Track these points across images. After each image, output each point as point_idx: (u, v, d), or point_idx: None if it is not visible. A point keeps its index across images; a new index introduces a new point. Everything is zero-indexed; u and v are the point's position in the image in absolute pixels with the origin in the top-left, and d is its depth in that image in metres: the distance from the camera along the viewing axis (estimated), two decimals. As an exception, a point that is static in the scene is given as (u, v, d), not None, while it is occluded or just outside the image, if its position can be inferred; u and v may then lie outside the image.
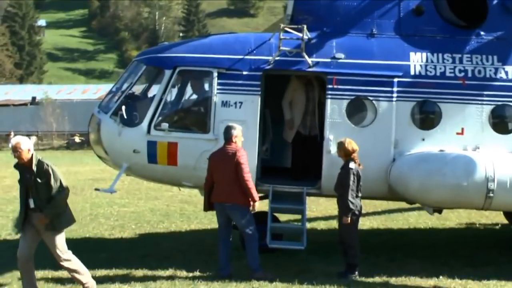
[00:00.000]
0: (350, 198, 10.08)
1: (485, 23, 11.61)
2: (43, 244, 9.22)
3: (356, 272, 10.30)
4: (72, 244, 12.59)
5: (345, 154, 10.32)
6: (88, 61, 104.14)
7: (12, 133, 49.84)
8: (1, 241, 13.25)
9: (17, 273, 10.36)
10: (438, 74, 11.27)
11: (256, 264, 10.15)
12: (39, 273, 10.34)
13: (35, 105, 55.57)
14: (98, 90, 58.54)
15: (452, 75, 11.28)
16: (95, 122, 12.03)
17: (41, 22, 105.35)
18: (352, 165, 10.18)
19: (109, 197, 17.61)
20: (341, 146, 10.37)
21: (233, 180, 9.97)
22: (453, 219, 15.69)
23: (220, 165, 10.11)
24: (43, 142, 51.88)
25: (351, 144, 10.28)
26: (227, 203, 10.10)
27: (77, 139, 48.14)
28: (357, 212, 10.25)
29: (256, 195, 10.12)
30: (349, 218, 10.10)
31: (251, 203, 10.10)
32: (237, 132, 10.22)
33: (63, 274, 10.13)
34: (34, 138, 48.50)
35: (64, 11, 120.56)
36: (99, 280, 9.85)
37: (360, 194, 10.28)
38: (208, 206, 10.45)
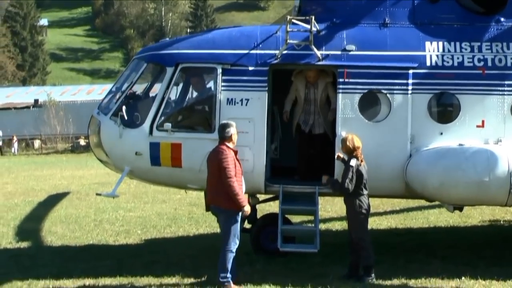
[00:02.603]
0: (345, 185, 10.08)
1: (506, 9, 11.39)
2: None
3: (373, 275, 10.19)
4: (75, 251, 12.72)
5: (347, 151, 10.30)
6: (93, 61, 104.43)
7: (15, 138, 50.12)
8: (1, 250, 13.18)
9: (17, 283, 10.33)
10: (456, 64, 11.09)
11: (223, 273, 9.77)
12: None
13: (38, 107, 55.72)
14: (103, 90, 58.43)
15: (471, 64, 11.09)
16: (95, 124, 11.95)
17: (43, 21, 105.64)
18: (353, 162, 10.14)
19: (114, 201, 17.57)
20: (343, 142, 10.37)
21: (216, 182, 9.79)
22: (475, 216, 15.53)
23: (209, 165, 9.99)
24: (47, 146, 52.04)
25: (353, 140, 10.24)
26: (212, 204, 9.99)
27: (82, 141, 48.17)
28: (364, 211, 10.17)
29: (242, 201, 9.71)
30: (327, 179, 10.45)
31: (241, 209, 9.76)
32: (234, 130, 10.01)
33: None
34: None
35: (66, 9, 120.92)
36: (102, 289, 9.79)
37: (365, 192, 10.20)
38: (207, 206, 10.34)
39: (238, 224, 9.89)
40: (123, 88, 11.85)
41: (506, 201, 10.54)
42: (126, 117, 11.28)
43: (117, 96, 11.79)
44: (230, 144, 9.92)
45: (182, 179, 11.41)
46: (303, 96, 11.71)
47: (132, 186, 20.83)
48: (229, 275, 9.75)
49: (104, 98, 12.42)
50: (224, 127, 9.99)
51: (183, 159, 11.15)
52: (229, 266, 9.77)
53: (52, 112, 53.04)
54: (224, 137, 9.95)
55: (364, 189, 10.19)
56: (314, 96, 11.71)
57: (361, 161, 10.22)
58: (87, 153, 44.30)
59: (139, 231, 14.67)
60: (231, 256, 9.79)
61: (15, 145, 50.16)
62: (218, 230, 14.20)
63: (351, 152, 10.24)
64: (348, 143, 10.26)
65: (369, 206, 10.33)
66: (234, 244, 9.81)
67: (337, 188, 10.34)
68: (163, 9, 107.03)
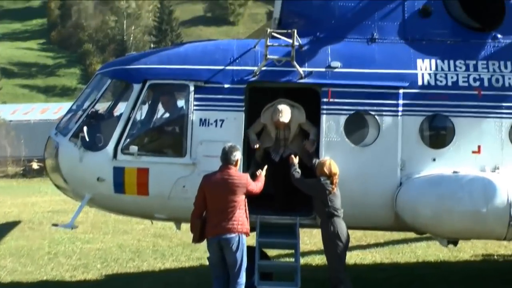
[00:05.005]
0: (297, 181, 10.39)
1: (503, 25, 11.39)
2: None
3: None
4: (27, 289, 12.33)
5: (322, 176, 10.24)
6: (48, 77, 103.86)
7: (-39, 160, 49.29)
8: None
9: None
10: (449, 84, 11.03)
11: None
12: None
13: (-13, 127, 54.90)
14: (59, 109, 57.82)
15: (466, 85, 11.03)
16: (52, 146, 11.69)
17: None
18: (322, 179, 10.16)
19: (71, 232, 17.14)
20: (319, 166, 10.37)
21: (227, 208, 9.68)
22: (467, 250, 15.49)
23: (220, 192, 9.76)
24: (-4, 169, 51.24)
25: (330, 166, 10.23)
26: (223, 234, 9.72)
27: (35, 165, 47.53)
28: (340, 236, 10.06)
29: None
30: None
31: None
32: (240, 154, 10.00)
33: None
34: None
35: (19, 21, 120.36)
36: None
37: (340, 215, 10.11)
38: (199, 237, 10.05)
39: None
40: (85, 106, 11.62)
41: (505, 234, 10.45)
42: (87, 139, 11.05)
43: (78, 116, 11.54)
44: (236, 169, 9.89)
45: (149, 208, 11.18)
46: (273, 135, 11.38)
47: (90, 215, 20.42)
48: None
49: (62, 118, 12.20)
50: (231, 151, 9.86)
51: (150, 186, 10.94)
52: None
53: (2, 133, 52.36)
54: (230, 162, 9.82)
55: (338, 212, 10.07)
56: (285, 136, 11.41)
57: (334, 188, 10.12)
58: (40, 178, 43.76)
59: (98, 266, 14.41)
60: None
61: (-39, 168, 49.34)
62: (187, 264, 14.15)
63: (326, 178, 10.14)
64: (325, 168, 10.18)
65: (347, 234, 10.18)
66: (244, 276, 9.83)
67: (293, 180, 10.47)
68: (124, 22, 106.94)
